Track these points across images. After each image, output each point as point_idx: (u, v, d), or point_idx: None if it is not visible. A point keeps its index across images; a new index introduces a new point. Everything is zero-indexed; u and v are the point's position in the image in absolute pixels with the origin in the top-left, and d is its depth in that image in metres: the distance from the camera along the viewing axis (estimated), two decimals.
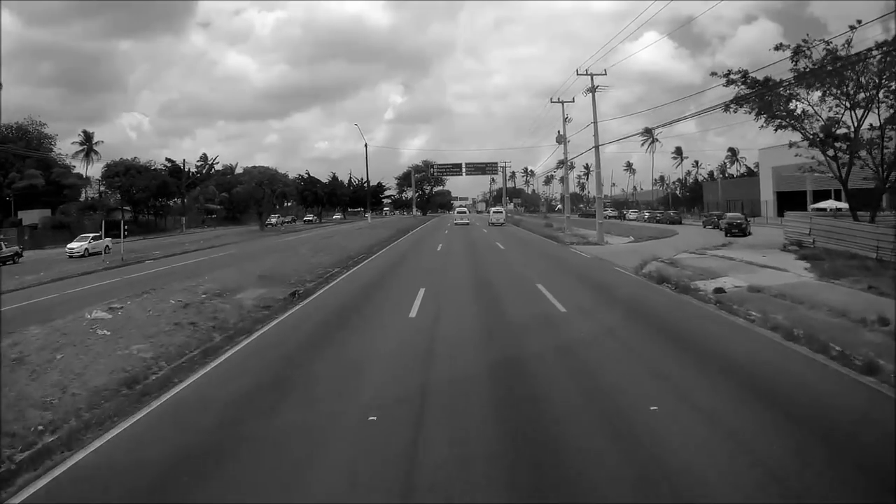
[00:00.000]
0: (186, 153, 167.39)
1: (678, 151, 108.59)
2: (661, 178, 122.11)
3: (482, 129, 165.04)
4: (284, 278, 15.68)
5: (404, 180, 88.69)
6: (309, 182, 73.29)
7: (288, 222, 52.31)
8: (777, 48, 23.27)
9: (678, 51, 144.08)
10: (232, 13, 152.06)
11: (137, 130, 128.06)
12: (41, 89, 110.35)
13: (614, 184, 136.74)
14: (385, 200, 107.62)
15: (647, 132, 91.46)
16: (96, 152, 69.91)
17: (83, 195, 61.76)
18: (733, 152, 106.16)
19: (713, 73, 23.68)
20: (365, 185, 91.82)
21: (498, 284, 13.92)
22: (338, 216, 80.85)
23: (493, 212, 59.67)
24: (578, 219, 68.64)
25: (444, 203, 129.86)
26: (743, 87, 23.71)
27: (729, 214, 36.51)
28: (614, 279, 14.92)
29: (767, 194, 55.71)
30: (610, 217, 66.23)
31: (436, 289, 13.31)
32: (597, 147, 26.44)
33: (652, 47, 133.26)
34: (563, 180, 35.07)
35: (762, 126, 23.65)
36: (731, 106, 22.50)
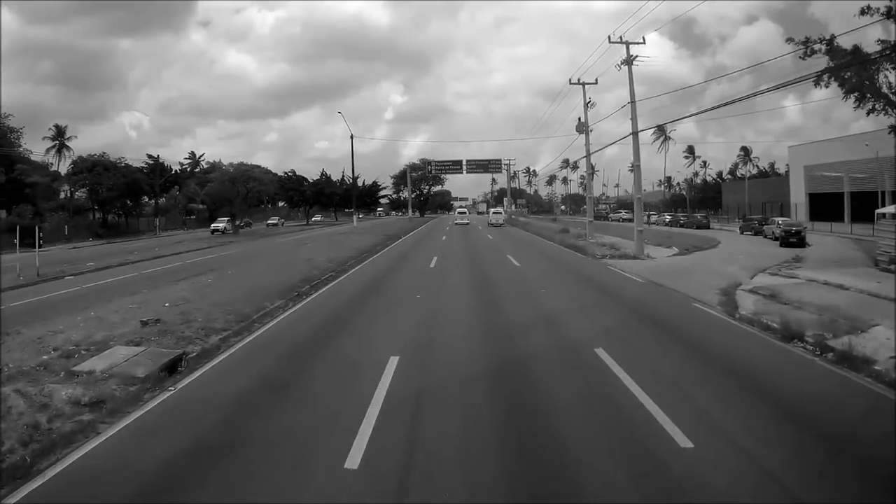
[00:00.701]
0: (186, 152, 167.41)
1: (690, 150, 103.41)
2: (669, 178, 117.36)
3: (482, 128, 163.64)
4: (186, 323, 10.08)
5: (401, 179, 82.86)
6: (295, 181, 67.23)
7: (241, 226, 45.61)
8: (864, 12, 17.94)
9: (679, 51, 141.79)
10: (232, 12, 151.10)
11: (138, 129, 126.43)
12: (41, 87, 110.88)
13: (617, 185, 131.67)
14: (383, 200, 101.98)
15: (660, 129, 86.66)
16: (68, 147, 64.87)
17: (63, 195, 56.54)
18: (746, 151, 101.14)
19: (789, 40, 18.14)
20: (360, 183, 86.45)
21: (527, 349, 8.11)
22: (318, 217, 72.50)
23: (493, 212, 60.22)
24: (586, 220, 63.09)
25: (443, 203, 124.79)
26: (827, 57, 18.47)
27: (781, 219, 30.94)
28: (712, 332, 9.22)
29: (799, 196, 49.96)
30: (624, 220, 60.60)
31: (416, 359, 7.61)
32: (635, 133, 20.80)
33: (653, 48, 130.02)
34: (586, 176, 29.21)
35: (856, 107, 18.22)
36: (823, 78, 17.05)
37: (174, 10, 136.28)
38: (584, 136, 27.85)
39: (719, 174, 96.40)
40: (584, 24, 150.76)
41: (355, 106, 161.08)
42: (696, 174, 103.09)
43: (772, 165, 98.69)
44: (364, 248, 24.14)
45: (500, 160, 62.99)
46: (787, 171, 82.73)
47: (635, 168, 21.27)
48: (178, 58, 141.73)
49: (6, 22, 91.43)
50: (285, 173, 68.67)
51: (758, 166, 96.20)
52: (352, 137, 41.26)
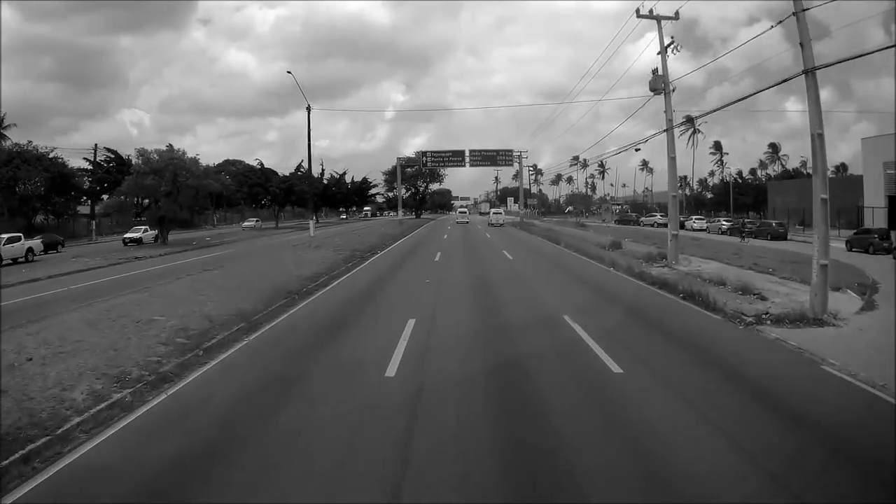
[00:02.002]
0: (187, 151, 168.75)
1: (717, 146, 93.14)
2: (684, 178, 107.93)
3: (483, 128, 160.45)
4: None
5: (393, 175, 72.04)
6: (260, 175, 55.76)
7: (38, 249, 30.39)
8: None
9: (680, 53, 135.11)
10: (232, 10, 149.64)
11: (138, 126, 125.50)
12: (41, 84, 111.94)
13: (624, 185, 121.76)
14: (379, 199, 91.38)
15: (689, 121, 76.03)
16: (5, 136, 54.68)
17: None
18: (774, 148, 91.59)
19: None
20: (348, 180, 75.82)
21: None
22: (250, 223, 55.13)
23: (493, 213, 59.66)
24: (616, 226, 52.45)
25: (443, 203, 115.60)
26: None
27: None
28: None
29: (876, 199, 39.56)
30: (659, 225, 49.97)
31: None
32: (811, 71, 10.29)
33: (655, 50, 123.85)
34: (668, 161, 18.50)
35: None
36: None
37: (175, 8, 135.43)
38: (657, 96, 17.40)
39: (739, 173, 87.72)
40: (585, 25, 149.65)
41: (356, 105, 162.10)
42: (711, 173, 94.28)
43: (804, 164, 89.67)
44: (290, 285, 13.54)
45: (510, 150, 51.93)
46: (817, 167, 72.94)
47: (815, 139, 10.56)
48: (178, 55, 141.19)
49: (6, 19, 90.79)
50: (253, 166, 57.40)
51: (784, 165, 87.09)
52: (308, 110, 30.31)
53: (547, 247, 26.70)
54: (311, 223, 30.96)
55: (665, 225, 49.89)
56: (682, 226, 46.64)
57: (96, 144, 48.42)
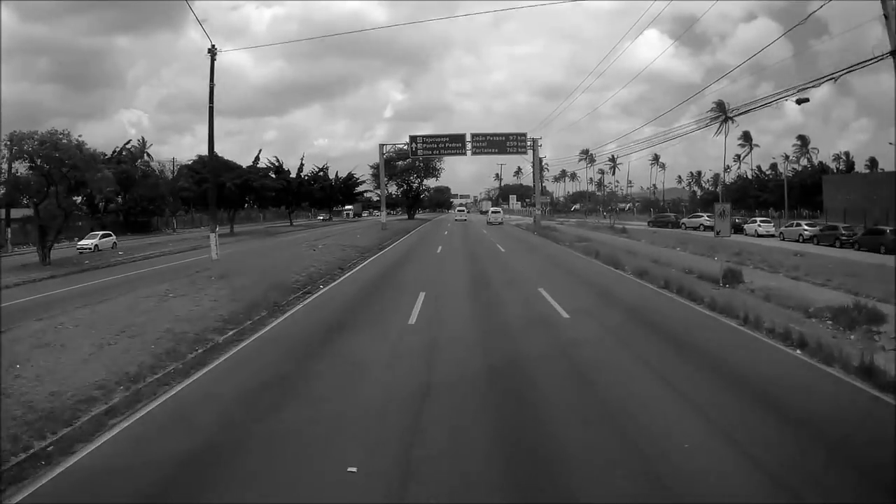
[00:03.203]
0: (185, 150, 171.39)
1: (746, 138, 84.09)
2: (698, 173, 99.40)
3: (484, 127, 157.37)
4: None
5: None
6: (211, 168, 45.15)
7: None
8: None
9: (679, 49, 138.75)
10: (229, 9, 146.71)
11: (137, 126, 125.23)
12: (39, 85, 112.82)
13: (631, 182, 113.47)
14: (374, 198, 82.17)
15: (720, 109, 66.78)
16: None
17: None
18: (803, 141, 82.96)
19: None
20: (333, 175, 66.24)
21: None
22: (88, 242, 32.23)
23: (492, 212, 58.82)
24: (650, 229, 43.48)
25: (442, 201, 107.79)
26: None
27: None
28: None
29: None
30: (706, 227, 40.73)
31: None
32: None
33: (653, 46, 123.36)
34: None
35: None
36: None
37: (171, 8, 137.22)
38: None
39: (758, 167, 79.26)
40: (583, 23, 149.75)
41: (355, 103, 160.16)
42: (727, 168, 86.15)
43: (837, 157, 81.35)
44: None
45: (523, 135, 42.05)
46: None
47: None
48: (176, 55, 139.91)
49: (4, 20, 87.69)
50: (199, 156, 47.22)
51: (810, 161, 78.98)
52: (212, 52, 20.32)
53: (605, 274, 16.62)
54: (213, 237, 20.11)
55: (711, 227, 40.60)
56: (738, 229, 37.72)
57: (12, 132, 38.90)
